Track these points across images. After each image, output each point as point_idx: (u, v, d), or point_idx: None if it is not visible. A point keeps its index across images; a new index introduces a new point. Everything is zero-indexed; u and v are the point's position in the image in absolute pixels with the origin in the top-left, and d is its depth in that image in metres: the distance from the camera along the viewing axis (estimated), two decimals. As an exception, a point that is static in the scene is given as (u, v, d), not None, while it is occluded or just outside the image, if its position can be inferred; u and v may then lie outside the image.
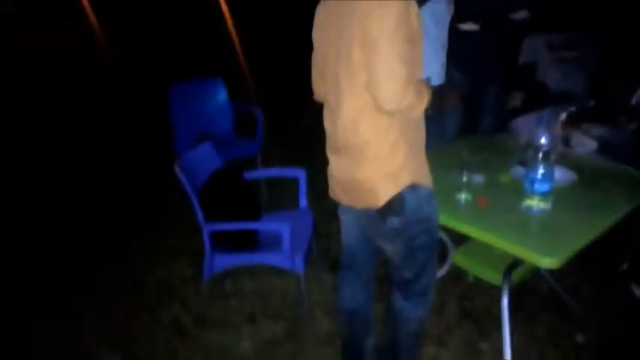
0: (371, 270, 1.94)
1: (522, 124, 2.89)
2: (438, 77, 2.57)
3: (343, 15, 1.48)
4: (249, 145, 3.52)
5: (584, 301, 2.50)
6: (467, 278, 2.68)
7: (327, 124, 1.67)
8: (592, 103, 2.76)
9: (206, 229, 2.24)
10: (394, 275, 1.79)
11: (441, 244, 2.40)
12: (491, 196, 1.92)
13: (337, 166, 1.67)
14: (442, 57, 2.59)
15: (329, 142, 1.69)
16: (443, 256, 2.51)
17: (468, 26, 2.58)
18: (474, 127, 3.41)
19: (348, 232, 1.87)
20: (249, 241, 2.44)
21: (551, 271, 2.51)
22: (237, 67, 6.55)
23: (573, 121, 2.49)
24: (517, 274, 2.28)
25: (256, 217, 2.51)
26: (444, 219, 1.82)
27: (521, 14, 2.94)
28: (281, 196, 3.46)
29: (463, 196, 1.92)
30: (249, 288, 2.75)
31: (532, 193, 1.79)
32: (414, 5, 1.45)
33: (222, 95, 3.69)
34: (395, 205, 1.57)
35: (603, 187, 1.98)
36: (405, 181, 1.56)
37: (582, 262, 2.69)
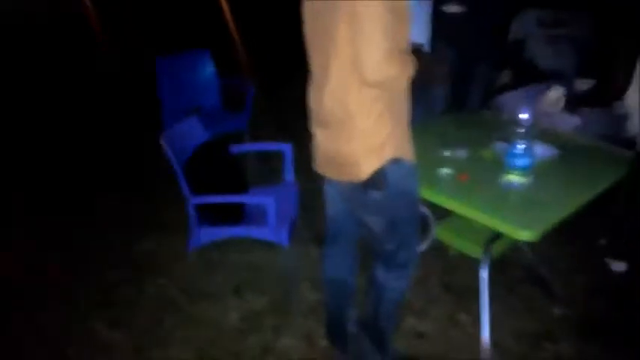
0: (355, 242, 1.97)
1: (508, 100, 2.91)
2: (427, 45, 2.56)
3: None
4: (238, 119, 3.52)
5: (562, 274, 2.56)
6: (449, 252, 2.73)
7: (313, 98, 1.67)
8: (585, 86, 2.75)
9: (191, 202, 2.26)
10: (376, 247, 1.82)
11: (424, 218, 2.43)
12: (473, 171, 1.96)
13: (323, 141, 1.69)
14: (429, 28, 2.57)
15: (314, 117, 1.70)
16: (425, 230, 2.55)
17: (453, 9, 2.56)
18: (462, 102, 3.42)
19: (333, 204, 1.90)
20: (235, 215, 2.46)
21: (530, 245, 2.56)
22: (229, 39, 6.44)
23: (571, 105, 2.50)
24: (498, 248, 2.32)
25: (242, 191, 2.53)
26: (426, 193, 1.85)
27: None
28: (271, 168, 3.47)
29: (445, 171, 1.94)
30: (236, 260, 2.77)
31: (512, 168, 1.82)
32: None
33: (209, 68, 3.66)
34: (378, 179, 1.59)
35: (583, 163, 2.02)
36: (388, 154, 1.57)
37: (561, 236, 2.77)
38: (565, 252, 2.72)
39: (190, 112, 3.15)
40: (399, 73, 1.48)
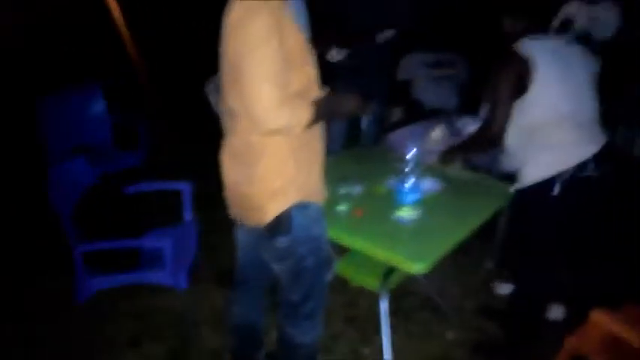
0: (262, 288, 1.92)
1: (397, 137, 3.09)
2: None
3: (227, 20, 1.43)
4: (132, 157, 3.36)
5: (454, 299, 2.72)
6: (352, 285, 2.79)
7: (227, 138, 1.63)
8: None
9: (77, 250, 2.10)
10: (282, 297, 1.76)
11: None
12: (368, 206, 2.03)
13: (229, 174, 1.63)
14: None
15: (226, 146, 1.64)
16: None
17: (333, 55, 2.67)
18: (357, 139, 3.59)
19: (241, 248, 1.86)
20: (129, 260, 2.33)
21: (424, 274, 2.69)
22: (131, 70, 6.11)
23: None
24: (395, 279, 2.42)
25: (136, 233, 2.40)
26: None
27: (387, 34, 3.14)
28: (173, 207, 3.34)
29: (341, 207, 2.00)
30: (133, 308, 2.61)
31: (402, 203, 1.92)
32: (286, 13, 1.41)
33: (98, 105, 3.47)
34: (282, 224, 1.55)
35: (467, 196, 2.17)
36: (292, 198, 1.54)
37: (452, 263, 2.95)
38: (456, 278, 2.90)
39: (77, 151, 2.95)
40: (293, 120, 1.41)
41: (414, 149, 1.89)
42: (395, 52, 3.51)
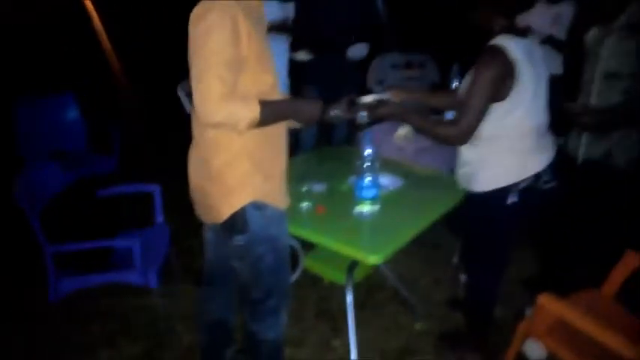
0: (231, 285, 1.93)
1: (367, 136, 3.18)
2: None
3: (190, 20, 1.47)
4: (106, 161, 3.41)
5: (423, 292, 2.81)
6: (323, 280, 2.87)
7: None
8: None
9: (48, 251, 2.15)
10: (244, 295, 1.78)
11: (292, 250, 2.55)
12: (330, 203, 2.11)
13: (192, 170, 1.68)
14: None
15: (192, 144, 1.68)
16: (295, 262, 2.66)
17: (301, 56, 2.74)
18: (329, 139, 3.67)
19: (207, 247, 1.92)
20: (101, 260, 2.39)
21: (392, 268, 2.79)
22: (107, 74, 6.13)
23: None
24: (360, 273, 2.51)
25: (108, 235, 2.46)
26: (289, 227, 1.95)
27: (360, 52, 3.21)
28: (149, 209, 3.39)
29: (303, 205, 2.07)
30: (107, 308, 2.67)
31: (362, 199, 2.00)
32: (250, 18, 1.45)
33: (73, 112, 3.52)
34: (238, 222, 1.59)
35: (426, 191, 2.26)
36: (247, 197, 1.57)
37: (421, 257, 3.05)
38: (425, 271, 2.99)
39: (53, 156, 3.00)
40: (233, 117, 1.42)
41: (370, 148, 1.97)
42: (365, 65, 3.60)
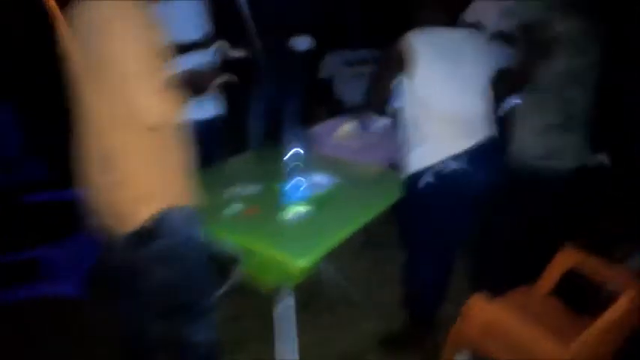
0: (144, 295, 1.83)
1: (314, 134, 3.12)
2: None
3: (87, 22, 1.41)
4: (40, 168, 3.25)
5: (373, 292, 2.75)
6: (263, 283, 2.77)
7: (85, 141, 1.57)
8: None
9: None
10: (170, 301, 1.74)
11: (229, 256, 2.45)
12: (261, 205, 2.03)
13: (93, 182, 1.59)
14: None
15: (89, 162, 1.59)
16: (230, 269, 2.57)
17: (236, 53, 2.67)
18: (277, 138, 3.59)
19: (110, 258, 1.79)
20: (25, 272, 2.26)
21: (338, 269, 2.72)
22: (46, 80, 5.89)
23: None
24: (304, 274, 2.42)
25: (33, 245, 2.33)
26: (217, 231, 1.88)
27: (304, 44, 3.16)
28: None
29: (234, 207, 1.99)
30: (31, 322, 2.52)
31: (292, 200, 1.93)
32: (149, 15, 1.42)
33: (6, 115, 3.34)
34: (158, 226, 1.54)
35: (359, 190, 2.20)
36: (163, 200, 1.53)
37: (370, 257, 2.99)
38: (373, 271, 2.94)
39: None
40: (172, 111, 1.43)
41: (295, 148, 1.90)
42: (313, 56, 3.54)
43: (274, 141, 3.59)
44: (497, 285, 1.96)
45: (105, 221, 1.63)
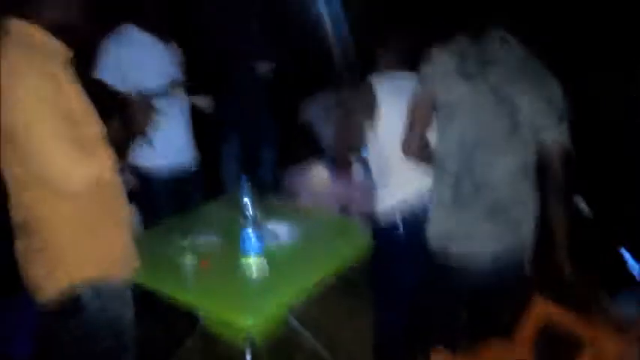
0: None
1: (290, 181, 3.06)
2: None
3: None
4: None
5: (342, 345, 2.60)
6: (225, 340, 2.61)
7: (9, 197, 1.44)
8: None
9: None
10: None
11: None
12: (216, 257, 1.94)
13: (18, 252, 1.44)
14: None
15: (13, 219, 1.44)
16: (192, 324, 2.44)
17: (200, 101, 2.62)
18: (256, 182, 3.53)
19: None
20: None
21: (307, 324, 2.58)
22: None
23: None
24: (269, 329, 2.30)
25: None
26: (164, 285, 1.78)
27: (263, 67, 3.16)
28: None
29: (186, 259, 1.88)
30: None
31: (246, 253, 1.83)
32: (65, 70, 1.34)
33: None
34: (67, 304, 1.37)
35: (325, 242, 2.09)
36: (77, 274, 1.37)
37: (343, 311, 2.84)
38: (345, 326, 2.78)
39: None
40: (96, 170, 1.32)
41: (249, 197, 1.83)
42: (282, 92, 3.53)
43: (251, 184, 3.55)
44: (456, 337, 1.84)
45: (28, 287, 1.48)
